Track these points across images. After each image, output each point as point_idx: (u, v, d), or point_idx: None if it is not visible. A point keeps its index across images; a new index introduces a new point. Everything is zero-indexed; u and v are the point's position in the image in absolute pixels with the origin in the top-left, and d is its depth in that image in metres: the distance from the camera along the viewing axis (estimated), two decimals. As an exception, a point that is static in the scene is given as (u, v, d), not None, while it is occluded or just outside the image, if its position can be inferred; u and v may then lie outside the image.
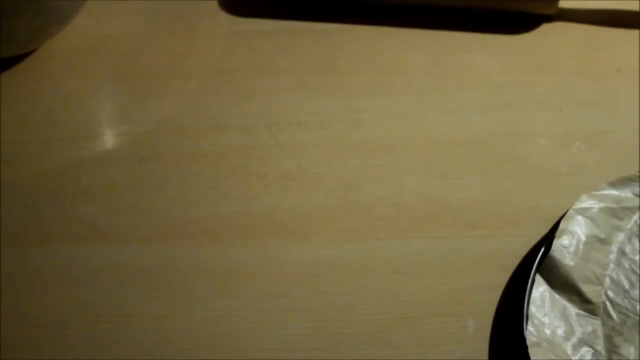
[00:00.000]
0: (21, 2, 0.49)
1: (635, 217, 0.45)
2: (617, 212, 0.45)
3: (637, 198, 0.46)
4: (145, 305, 0.45)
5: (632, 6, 0.57)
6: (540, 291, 0.42)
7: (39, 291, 0.45)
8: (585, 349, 0.41)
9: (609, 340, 0.42)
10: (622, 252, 0.44)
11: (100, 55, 0.56)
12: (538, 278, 0.43)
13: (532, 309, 0.42)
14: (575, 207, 0.45)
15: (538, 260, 0.43)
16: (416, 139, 0.51)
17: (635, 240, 0.45)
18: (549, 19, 0.57)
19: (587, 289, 0.43)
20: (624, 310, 0.42)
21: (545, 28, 0.57)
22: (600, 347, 0.41)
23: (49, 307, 0.45)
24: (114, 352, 0.43)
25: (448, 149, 0.50)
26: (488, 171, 0.49)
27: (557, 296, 0.43)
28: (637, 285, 0.43)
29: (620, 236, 0.45)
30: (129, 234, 0.47)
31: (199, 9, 0.59)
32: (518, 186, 0.49)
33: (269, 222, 0.47)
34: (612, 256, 0.44)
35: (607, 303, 0.43)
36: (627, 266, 0.44)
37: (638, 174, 0.46)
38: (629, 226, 0.45)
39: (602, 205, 0.45)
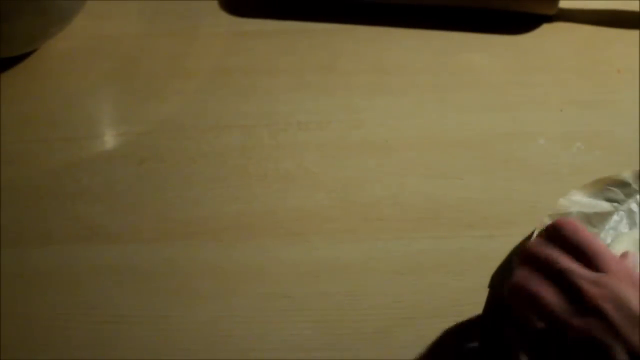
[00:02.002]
0: (21, 2, 0.49)
1: (608, 225, 0.45)
2: (591, 218, 0.44)
3: (609, 204, 0.45)
4: (145, 305, 0.45)
5: (632, 6, 0.57)
6: None
7: (39, 291, 0.45)
8: None
9: None
10: None
11: (100, 55, 0.56)
12: None
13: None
14: (551, 213, 0.44)
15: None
16: (416, 139, 0.51)
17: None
18: (549, 19, 0.57)
19: None
20: None
21: (545, 28, 0.57)
22: None
23: (49, 307, 0.45)
24: (114, 352, 0.43)
25: (448, 149, 0.50)
26: (488, 171, 0.49)
27: None
28: None
29: None
30: (129, 234, 0.47)
31: (199, 9, 0.59)
32: (518, 186, 0.49)
33: (269, 222, 0.47)
34: None
35: None
36: None
37: (609, 177, 0.45)
38: (602, 234, 0.44)
39: (577, 210, 0.44)
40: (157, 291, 0.45)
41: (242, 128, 0.52)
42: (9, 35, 0.51)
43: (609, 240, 0.44)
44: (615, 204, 0.45)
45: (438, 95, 0.53)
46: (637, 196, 0.45)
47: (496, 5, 0.57)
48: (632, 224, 0.45)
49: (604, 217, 0.45)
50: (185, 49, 0.56)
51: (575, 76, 0.54)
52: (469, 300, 0.44)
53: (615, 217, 0.45)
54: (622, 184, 0.45)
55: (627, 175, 0.46)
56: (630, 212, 0.45)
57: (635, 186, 0.45)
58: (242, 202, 0.48)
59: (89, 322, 0.44)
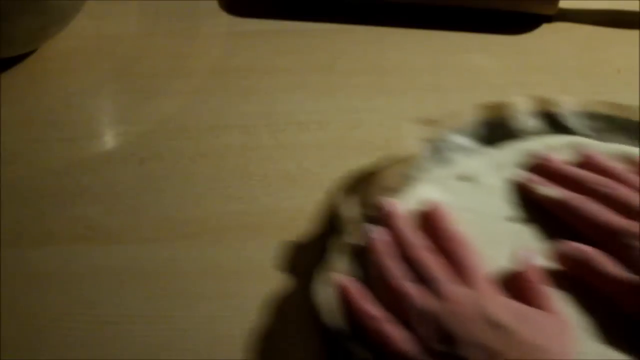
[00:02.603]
0: (21, 2, 0.49)
1: (422, 165, 0.46)
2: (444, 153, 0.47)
3: (427, 144, 0.47)
4: (145, 305, 0.45)
5: (632, 6, 0.57)
6: None
7: (39, 291, 0.45)
8: None
9: None
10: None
11: (100, 55, 0.56)
12: None
13: None
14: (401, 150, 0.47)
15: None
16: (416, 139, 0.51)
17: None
18: (549, 19, 0.57)
19: None
20: None
21: (545, 28, 0.57)
22: None
23: (49, 307, 0.45)
24: (114, 352, 0.43)
25: (448, 149, 0.50)
26: (488, 171, 0.49)
27: None
28: None
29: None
30: (129, 234, 0.47)
31: (199, 9, 0.59)
32: (518, 186, 0.49)
33: (269, 222, 0.47)
34: None
35: None
36: None
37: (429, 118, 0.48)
38: (414, 174, 0.46)
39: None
40: (157, 291, 0.45)
41: (242, 128, 0.52)
42: (9, 35, 0.51)
43: (419, 181, 0.46)
44: (430, 145, 0.47)
45: (438, 95, 0.53)
46: (450, 136, 0.47)
47: (496, 5, 0.57)
48: (440, 163, 0.46)
49: (420, 158, 0.47)
50: (185, 49, 0.57)
51: (575, 76, 0.54)
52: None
53: (427, 156, 0.47)
54: (434, 124, 0.48)
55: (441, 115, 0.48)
56: (438, 151, 0.47)
57: (445, 125, 0.48)
58: (242, 202, 0.48)
59: (89, 322, 0.44)
